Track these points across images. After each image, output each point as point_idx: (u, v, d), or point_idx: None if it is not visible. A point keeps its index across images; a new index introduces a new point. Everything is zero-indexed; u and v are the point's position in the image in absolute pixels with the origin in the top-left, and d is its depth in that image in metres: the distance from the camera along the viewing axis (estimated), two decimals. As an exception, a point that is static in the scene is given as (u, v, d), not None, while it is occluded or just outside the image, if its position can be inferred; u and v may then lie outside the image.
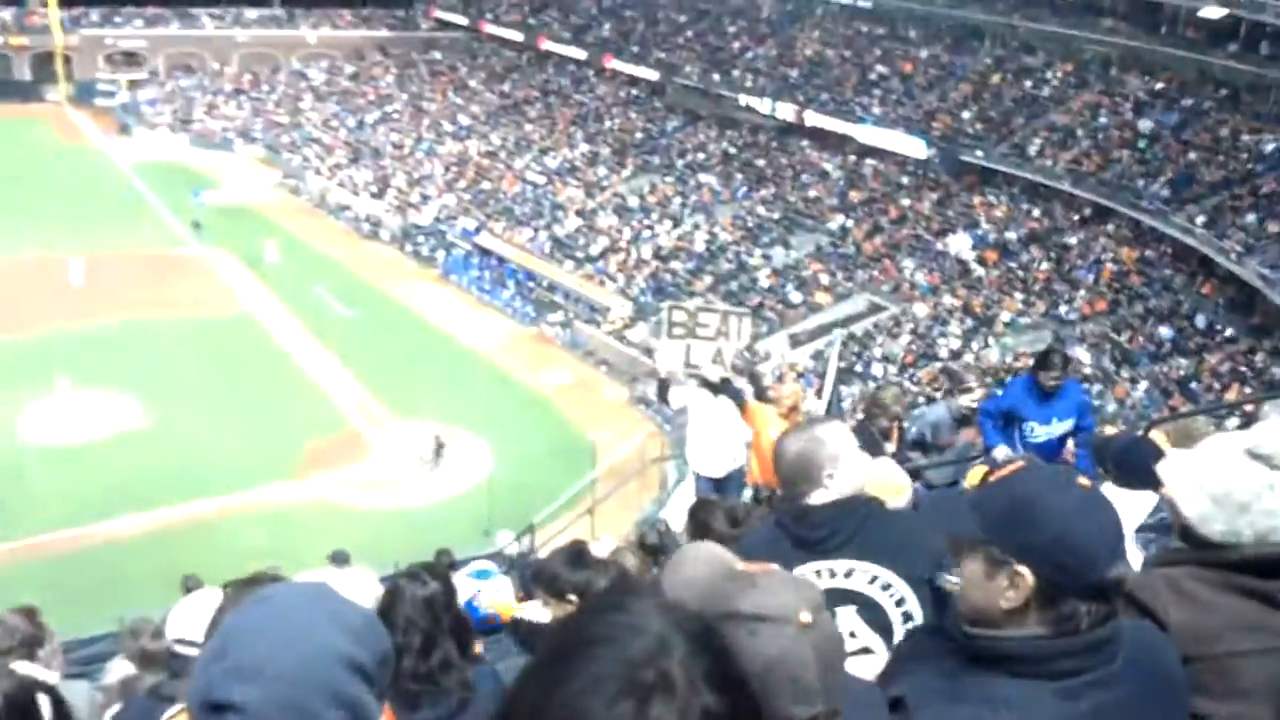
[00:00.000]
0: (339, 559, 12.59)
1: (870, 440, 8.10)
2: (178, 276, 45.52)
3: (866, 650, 3.09)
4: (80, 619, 11.89)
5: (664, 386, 9.63)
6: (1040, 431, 8.04)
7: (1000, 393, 8.82)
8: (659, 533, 6.79)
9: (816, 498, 3.30)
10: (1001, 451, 7.97)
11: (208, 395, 35.14)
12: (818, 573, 3.12)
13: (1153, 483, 4.16)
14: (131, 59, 72.06)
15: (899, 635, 3.07)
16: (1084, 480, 2.08)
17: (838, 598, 3.03)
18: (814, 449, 3.34)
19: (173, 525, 28.08)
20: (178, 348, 38.28)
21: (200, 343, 39.17)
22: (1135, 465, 4.23)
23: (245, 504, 29.82)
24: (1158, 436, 5.72)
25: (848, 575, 3.14)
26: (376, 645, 1.70)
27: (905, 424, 9.23)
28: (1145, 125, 40.40)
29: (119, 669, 6.30)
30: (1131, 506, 4.00)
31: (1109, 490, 4.10)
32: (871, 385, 35.93)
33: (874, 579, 3.16)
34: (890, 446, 8.60)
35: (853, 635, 3.07)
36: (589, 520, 16.10)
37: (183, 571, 12.66)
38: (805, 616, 1.91)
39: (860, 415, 9.87)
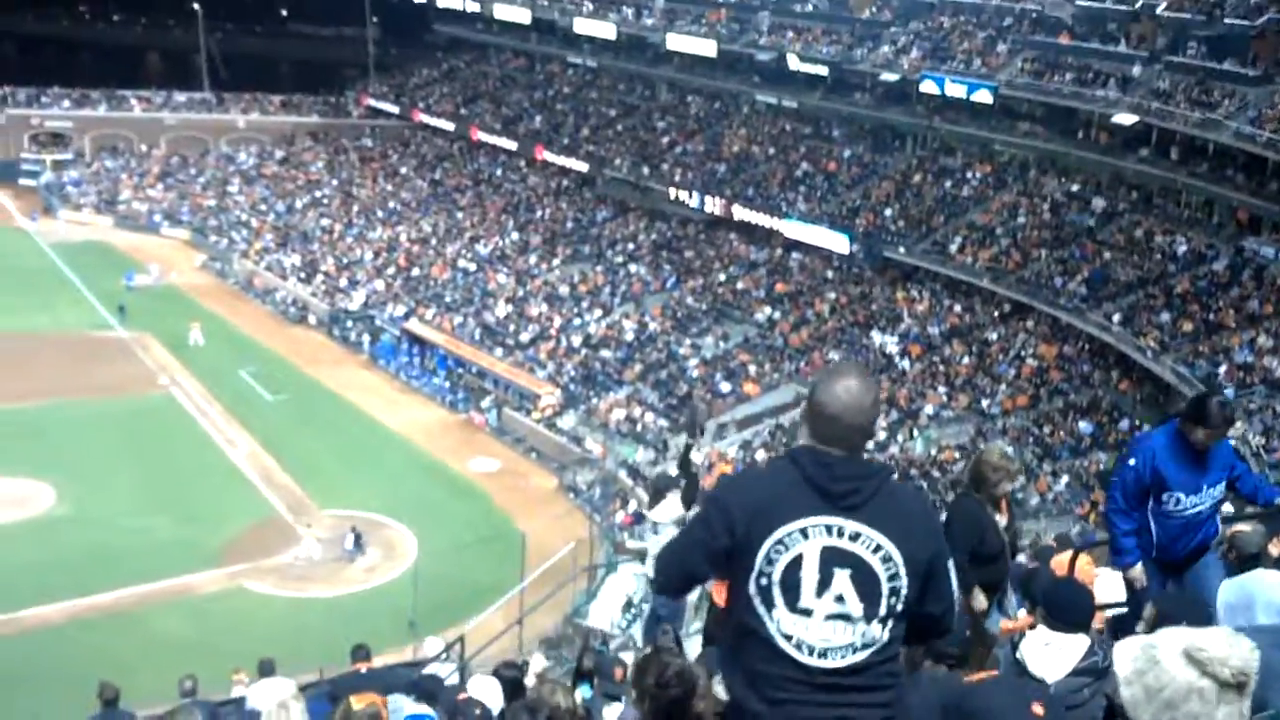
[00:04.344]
0: (265, 669, 12.34)
1: (974, 515, 6.62)
2: (100, 359, 44.81)
3: (845, 617, 3.02)
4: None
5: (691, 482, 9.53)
6: (1189, 503, 6.19)
7: (1131, 460, 6.34)
8: (594, 654, 6.78)
9: (844, 451, 3.15)
10: (1137, 572, 6.29)
11: (129, 480, 34.54)
12: (828, 528, 3.05)
13: (1083, 625, 4.33)
14: (57, 139, 71.32)
15: (883, 608, 3.01)
16: (1038, 709, 2.20)
17: (836, 558, 3.02)
18: (878, 400, 3.23)
19: (91, 614, 27.46)
20: (99, 432, 37.65)
21: (122, 427, 38.54)
22: (1066, 607, 4.34)
23: (165, 592, 29.26)
24: (1083, 560, 5.86)
25: (854, 538, 3.04)
26: None
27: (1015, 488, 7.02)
28: (1062, 225, 41.61)
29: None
30: (1064, 650, 4.15)
31: (1041, 633, 4.25)
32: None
33: (877, 548, 3.05)
34: (1002, 519, 6.74)
35: (839, 600, 3.01)
36: (518, 630, 15.98)
37: (102, 663, 12.38)
38: None
39: (959, 488, 7.67)
